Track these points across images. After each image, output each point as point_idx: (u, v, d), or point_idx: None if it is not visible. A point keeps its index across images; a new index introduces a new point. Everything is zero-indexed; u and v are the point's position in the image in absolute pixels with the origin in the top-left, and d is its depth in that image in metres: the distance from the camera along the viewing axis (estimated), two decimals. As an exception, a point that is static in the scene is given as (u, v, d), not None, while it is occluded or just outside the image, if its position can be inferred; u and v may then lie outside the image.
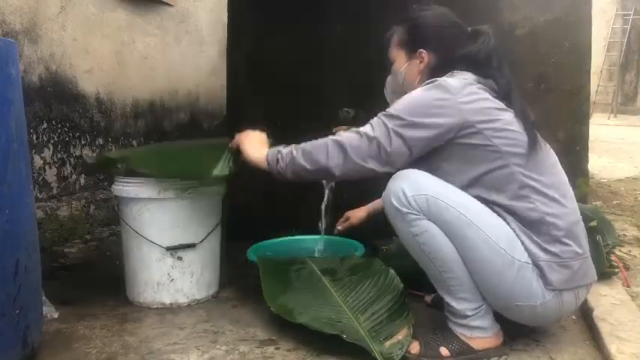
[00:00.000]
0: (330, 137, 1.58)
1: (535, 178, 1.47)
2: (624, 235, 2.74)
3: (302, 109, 2.57)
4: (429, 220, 1.47)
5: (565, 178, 1.56)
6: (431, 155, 1.53)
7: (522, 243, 1.46)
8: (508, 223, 1.48)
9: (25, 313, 1.42)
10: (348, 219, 2.18)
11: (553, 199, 1.48)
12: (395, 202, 1.49)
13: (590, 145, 2.45)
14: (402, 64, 1.71)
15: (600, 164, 5.12)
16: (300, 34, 2.59)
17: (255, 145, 1.73)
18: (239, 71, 2.74)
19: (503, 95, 1.55)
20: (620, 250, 2.41)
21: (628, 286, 2.01)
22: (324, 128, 2.26)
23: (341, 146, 1.53)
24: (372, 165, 1.52)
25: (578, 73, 2.41)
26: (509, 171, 1.47)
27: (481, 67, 1.58)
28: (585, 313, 1.78)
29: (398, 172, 1.53)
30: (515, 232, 1.47)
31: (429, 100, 1.51)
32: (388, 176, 1.57)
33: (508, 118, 1.51)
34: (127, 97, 3.44)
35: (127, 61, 3.42)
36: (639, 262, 2.33)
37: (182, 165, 1.88)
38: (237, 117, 2.74)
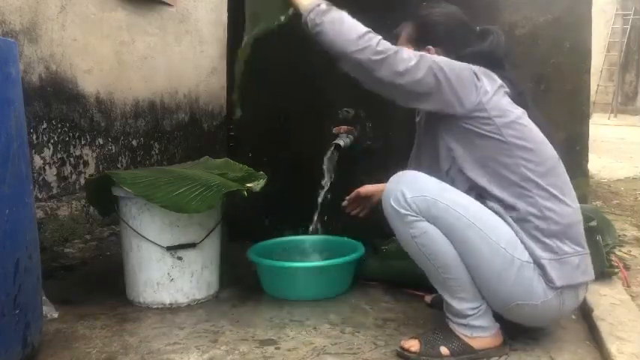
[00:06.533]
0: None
1: (538, 175, 1.49)
2: (624, 235, 2.74)
3: (302, 109, 2.57)
4: (427, 221, 1.47)
5: (567, 179, 1.57)
6: (443, 135, 1.55)
7: (522, 242, 1.47)
8: (507, 222, 1.48)
9: (25, 313, 1.42)
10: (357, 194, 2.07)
11: (553, 196, 1.49)
12: (394, 204, 1.49)
13: (590, 145, 2.45)
14: None
15: (600, 164, 5.12)
16: (300, 34, 2.58)
17: None
18: (239, 71, 2.73)
19: (519, 100, 1.58)
20: (620, 250, 2.41)
21: (628, 286, 2.01)
22: (324, 127, 2.27)
23: (374, 38, 1.53)
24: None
25: (578, 74, 2.41)
26: (514, 162, 1.49)
27: (495, 66, 1.60)
28: (585, 313, 1.78)
29: (397, 173, 1.54)
30: (514, 230, 1.47)
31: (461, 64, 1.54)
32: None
33: (520, 114, 1.54)
34: (127, 97, 3.43)
35: (127, 61, 3.42)
36: (639, 262, 2.33)
37: (167, 197, 1.83)
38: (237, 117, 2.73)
